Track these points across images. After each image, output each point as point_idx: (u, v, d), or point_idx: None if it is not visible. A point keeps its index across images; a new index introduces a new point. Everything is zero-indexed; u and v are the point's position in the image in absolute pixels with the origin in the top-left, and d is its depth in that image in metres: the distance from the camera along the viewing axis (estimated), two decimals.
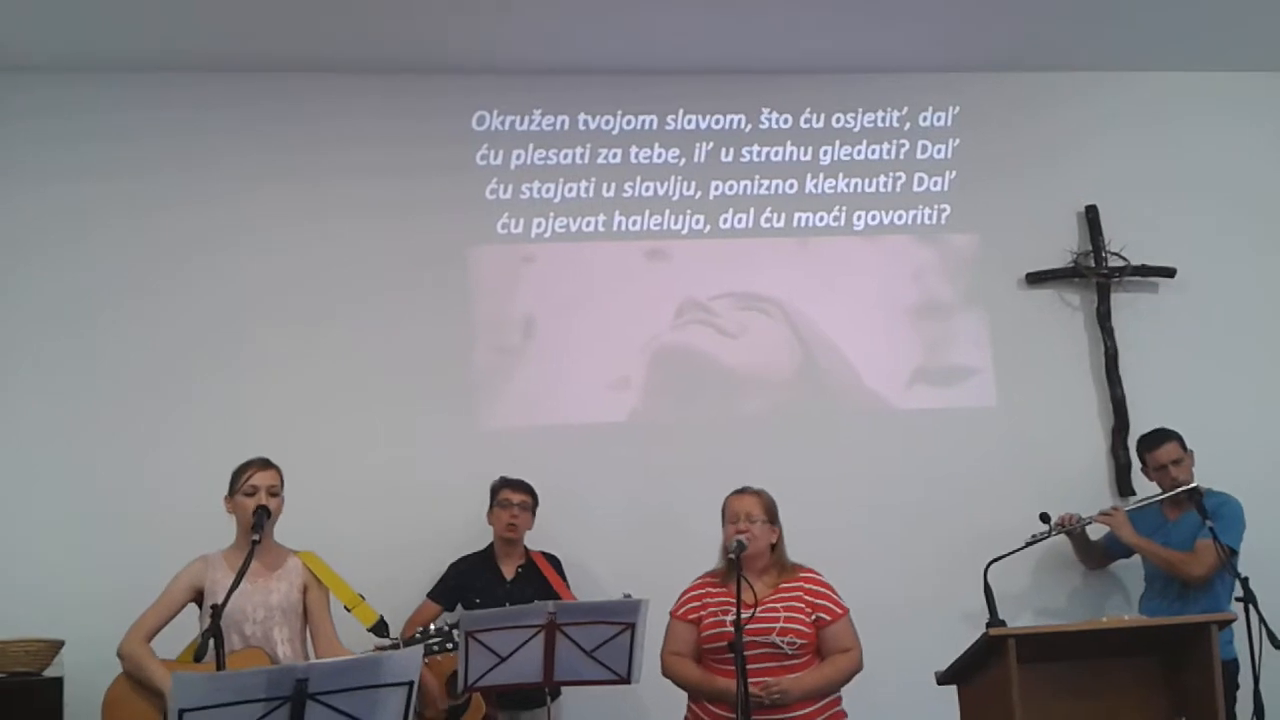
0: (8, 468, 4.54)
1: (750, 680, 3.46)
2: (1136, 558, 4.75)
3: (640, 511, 4.86)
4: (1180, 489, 4.50)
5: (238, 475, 3.78)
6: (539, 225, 5.09)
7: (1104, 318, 5.22)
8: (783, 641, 3.62)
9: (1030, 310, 5.26)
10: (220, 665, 3.21)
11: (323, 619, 3.78)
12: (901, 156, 5.33)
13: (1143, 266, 5.26)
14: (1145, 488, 4.86)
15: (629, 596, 3.91)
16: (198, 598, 3.73)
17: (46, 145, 4.80)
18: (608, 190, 5.16)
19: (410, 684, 2.80)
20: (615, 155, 5.19)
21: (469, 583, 4.35)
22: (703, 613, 3.75)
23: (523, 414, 4.93)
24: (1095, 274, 5.24)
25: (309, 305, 4.84)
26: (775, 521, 3.83)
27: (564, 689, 4.22)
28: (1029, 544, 4.55)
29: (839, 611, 3.74)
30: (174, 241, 4.82)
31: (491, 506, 4.44)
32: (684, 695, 3.80)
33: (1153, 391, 5.11)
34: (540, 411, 4.94)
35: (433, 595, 4.39)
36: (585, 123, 5.19)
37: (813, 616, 3.69)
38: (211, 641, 3.19)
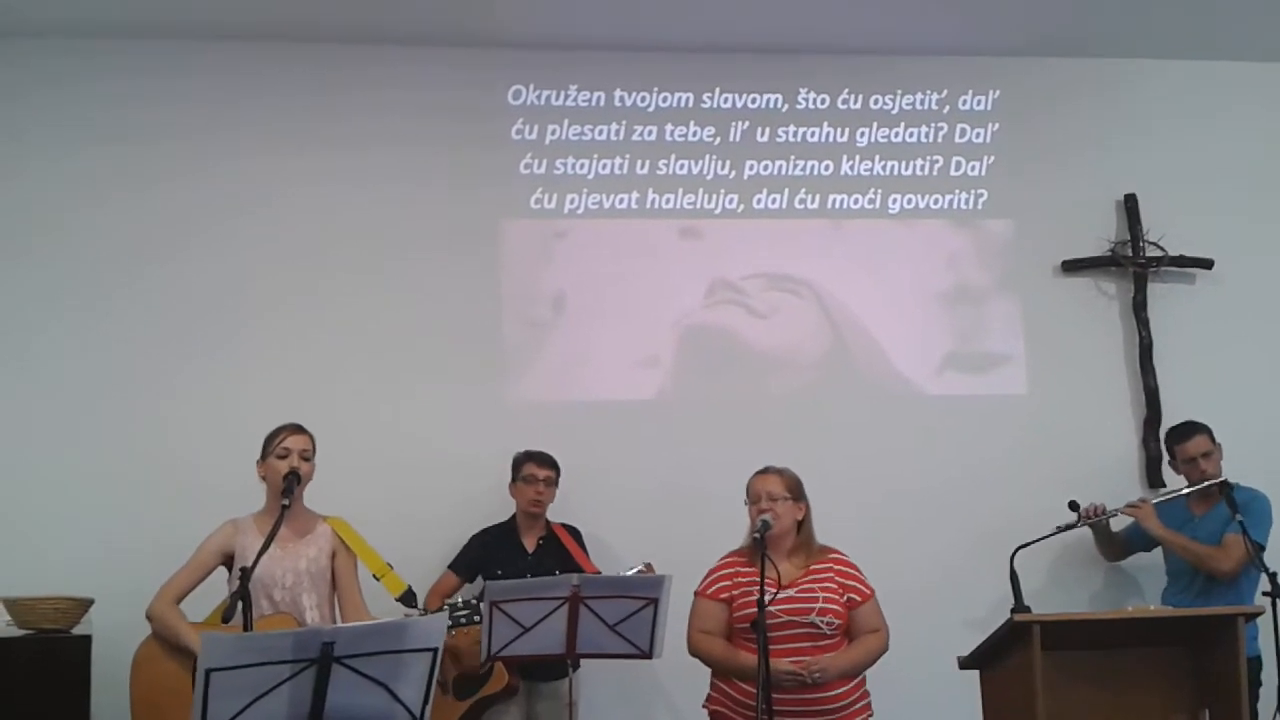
0: (39, 430, 4.58)
1: (790, 659, 3.50)
2: (1155, 554, 4.72)
3: (666, 489, 4.86)
4: (1209, 482, 4.45)
5: (270, 439, 3.80)
6: (572, 201, 5.08)
7: (1139, 308, 5.18)
8: (822, 621, 3.63)
9: (1065, 299, 5.22)
10: (247, 628, 3.24)
11: (350, 585, 3.81)
12: (939, 140, 5.28)
13: (1180, 257, 5.20)
14: (1175, 480, 4.81)
15: (648, 568, 3.94)
16: (227, 561, 3.77)
17: (78, 111, 4.79)
18: (641, 167, 5.14)
19: (434, 651, 2.82)
20: (650, 133, 5.17)
21: (491, 554, 4.37)
22: (735, 591, 3.75)
23: (550, 388, 4.93)
24: (1132, 263, 5.19)
25: (338, 272, 4.85)
26: (801, 499, 3.82)
27: (584, 662, 4.25)
28: (1056, 532, 4.53)
29: (867, 592, 3.75)
30: (206, 206, 4.82)
31: (515, 480, 4.45)
32: (703, 672, 3.81)
33: (1186, 383, 5.06)
34: (568, 387, 4.94)
35: (454, 567, 4.42)
36: (621, 99, 5.17)
37: (844, 597, 3.70)
38: (240, 604, 3.21)
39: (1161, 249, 5.20)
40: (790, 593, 3.58)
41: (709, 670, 3.81)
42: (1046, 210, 5.25)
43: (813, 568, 3.75)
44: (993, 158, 5.29)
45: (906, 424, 5.05)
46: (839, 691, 3.62)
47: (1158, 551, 4.68)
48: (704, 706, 3.81)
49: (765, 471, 3.85)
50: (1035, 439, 5.03)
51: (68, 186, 4.76)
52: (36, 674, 3.70)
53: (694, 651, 3.77)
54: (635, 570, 4.15)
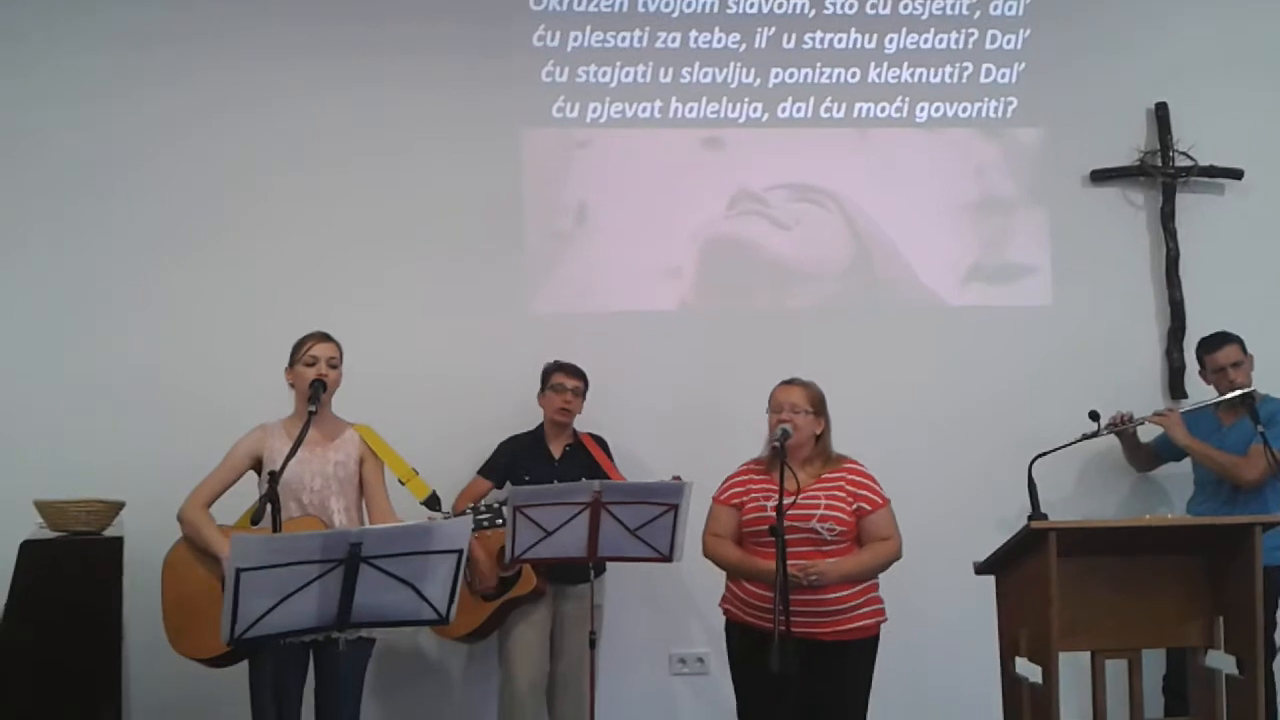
0: (69, 333, 4.63)
1: (789, 562, 3.53)
2: (1185, 464, 4.73)
3: (687, 400, 4.88)
4: (1235, 392, 4.47)
5: (298, 347, 3.84)
6: (594, 110, 5.03)
7: (1167, 218, 5.12)
8: (822, 528, 3.68)
9: (1092, 209, 5.15)
10: (276, 530, 3.30)
11: (378, 490, 3.86)
12: (969, 46, 5.16)
13: (1210, 167, 5.13)
14: (1198, 391, 4.83)
15: (678, 479, 3.99)
16: (257, 465, 3.83)
17: (80, 14, 4.74)
18: (665, 75, 5.07)
19: (459, 552, 2.89)
20: (674, 39, 5.09)
21: (518, 461, 4.43)
22: (745, 498, 3.81)
23: (572, 300, 4.94)
24: (1161, 173, 5.12)
25: (358, 180, 4.83)
26: (822, 413, 3.85)
27: (609, 568, 4.33)
28: (1076, 441, 4.55)
29: (879, 501, 3.78)
30: (223, 109, 4.78)
31: (543, 389, 4.49)
32: (721, 576, 3.88)
33: (1212, 295, 5.03)
34: (590, 298, 4.95)
35: (483, 472, 4.48)
36: (644, 5, 5.06)
37: (853, 505, 3.74)
38: (268, 506, 3.27)
39: (1191, 159, 5.12)
40: (794, 500, 3.60)
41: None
42: (1076, 119, 5.16)
43: (824, 476, 3.79)
44: (1023, 64, 5.19)
45: (930, 335, 5.04)
46: (839, 595, 3.67)
47: (1188, 460, 4.69)
48: (720, 605, 3.89)
49: (790, 383, 3.88)
50: (1059, 350, 5.02)
51: (70, 89, 4.72)
52: (69, 576, 3.75)
53: (707, 554, 3.85)
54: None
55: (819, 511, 3.69)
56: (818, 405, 3.84)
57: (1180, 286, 5.08)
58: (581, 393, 4.48)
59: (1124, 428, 4.65)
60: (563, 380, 4.45)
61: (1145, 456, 4.85)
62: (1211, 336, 4.65)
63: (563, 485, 3.80)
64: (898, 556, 3.77)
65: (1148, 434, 4.80)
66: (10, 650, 3.64)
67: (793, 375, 3.92)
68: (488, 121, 4.93)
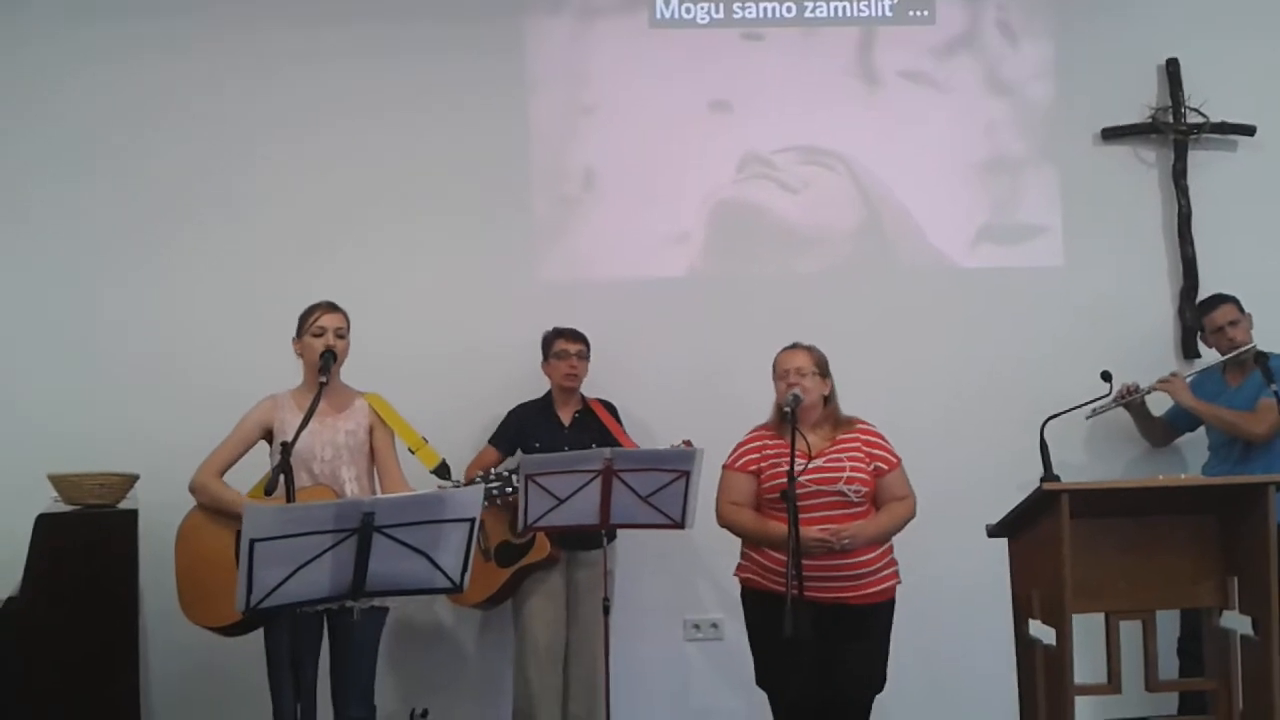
0: (74, 307, 4.64)
1: (819, 527, 3.57)
2: (1200, 433, 4.73)
3: (696, 366, 4.87)
4: (1243, 349, 4.48)
5: (305, 317, 3.84)
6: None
7: (1179, 176, 5.07)
8: (849, 490, 3.69)
9: (1104, 167, 5.11)
10: (290, 500, 3.31)
11: (389, 459, 3.87)
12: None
13: (1222, 124, 5.08)
14: (1211, 351, 4.80)
15: (688, 444, 3.99)
16: (267, 435, 3.84)
17: None
18: None
19: (471, 521, 2.89)
20: None
21: (528, 429, 4.43)
22: (762, 464, 3.79)
23: (580, 266, 4.92)
24: (1173, 130, 5.07)
25: (363, 148, 4.80)
26: (827, 375, 3.85)
27: (621, 534, 4.34)
28: (1088, 403, 4.53)
29: (894, 460, 3.81)
30: (214, 81, 4.77)
31: (546, 358, 4.48)
32: (735, 542, 3.88)
33: (1225, 252, 4.99)
34: (598, 264, 4.93)
35: (493, 441, 4.48)
36: None
37: (871, 466, 3.75)
38: (281, 477, 3.28)
39: (1203, 115, 5.07)
40: (818, 463, 3.65)
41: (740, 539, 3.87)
42: (1087, 76, 5.11)
43: (839, 438, 3.79)
44: (1034, 20, 5.13)
45: (940, 297, 5.01)
46: (866, 558, 3.69)
47: (1201, 430, 4.70)
48: (735, 574, 3.89)
49: (793, 347, 3.88)
50: (1071, 310, 4.99)
51: (72, 58, 4.71)
52: (85, 548, 3.78)
53: (723, 523, 3.83)
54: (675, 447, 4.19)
55: (845, 474, 3.70)
56: (823, 367, 3.85)
57: (1193, 244, 5.04)
58: (585, 356, 4.47)
59: (1131, 399, 4.65)
60: (565, 346, 4.44)
61: (1160, 430, 4.85)
62: (1208, 298, 4.69)
63: (574, 453, 3.81)
64: (914, 515, 3.79)
65: (1159, 407, 4.79)
66: (28, 622, 3.67)
67: (800, 340, 3.91)
68: (493, 87, 4.89)
